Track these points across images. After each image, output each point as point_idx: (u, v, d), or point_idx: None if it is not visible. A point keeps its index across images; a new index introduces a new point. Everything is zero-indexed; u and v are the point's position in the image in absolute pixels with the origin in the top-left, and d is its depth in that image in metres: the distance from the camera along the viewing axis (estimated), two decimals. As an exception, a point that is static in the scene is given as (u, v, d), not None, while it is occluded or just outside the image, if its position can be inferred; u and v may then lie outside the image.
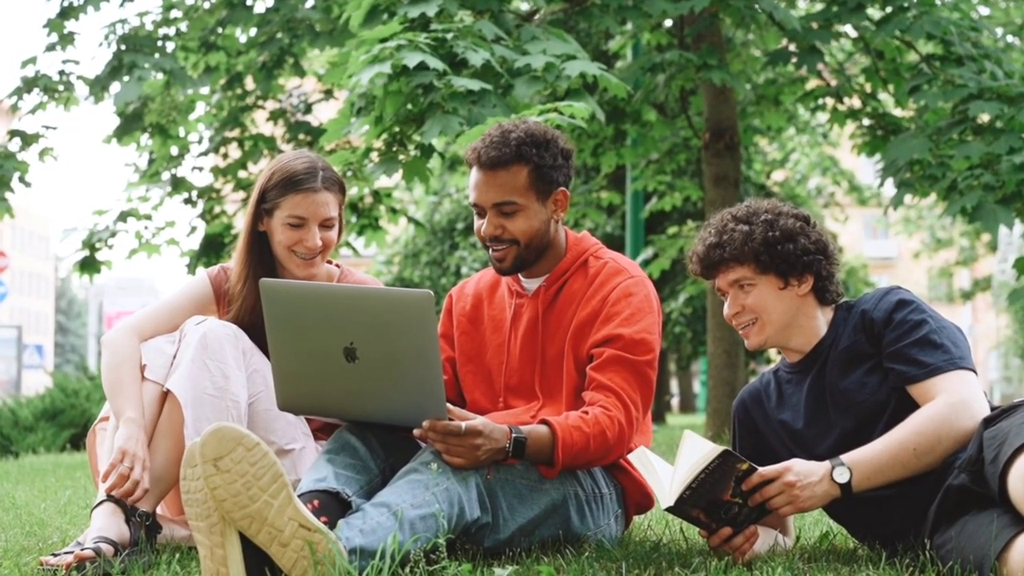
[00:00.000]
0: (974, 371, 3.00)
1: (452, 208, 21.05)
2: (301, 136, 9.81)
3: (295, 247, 3.49)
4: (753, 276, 3.14)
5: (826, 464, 2.91)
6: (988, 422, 2.84)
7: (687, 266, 3.32)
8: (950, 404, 2.91)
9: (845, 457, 2.91)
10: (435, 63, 5.31)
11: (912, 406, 2.97)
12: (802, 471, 2.89)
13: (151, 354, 3.38)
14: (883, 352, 3.04)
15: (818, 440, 3.12)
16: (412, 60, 5.27)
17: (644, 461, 2.98)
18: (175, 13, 9.14)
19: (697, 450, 2.87)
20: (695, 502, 2.87)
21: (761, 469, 2.89)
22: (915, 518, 2.95)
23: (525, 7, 8.80)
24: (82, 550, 2.96)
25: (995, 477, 2.64)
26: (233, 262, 3.63)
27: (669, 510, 2.88)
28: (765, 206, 3.21)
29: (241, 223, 3.65)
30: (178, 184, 9.76)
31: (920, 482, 2.93)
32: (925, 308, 3.06)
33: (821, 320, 3.17)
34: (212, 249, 9.65)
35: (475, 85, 5.34)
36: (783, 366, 3.28)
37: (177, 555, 3.12)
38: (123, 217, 9.63)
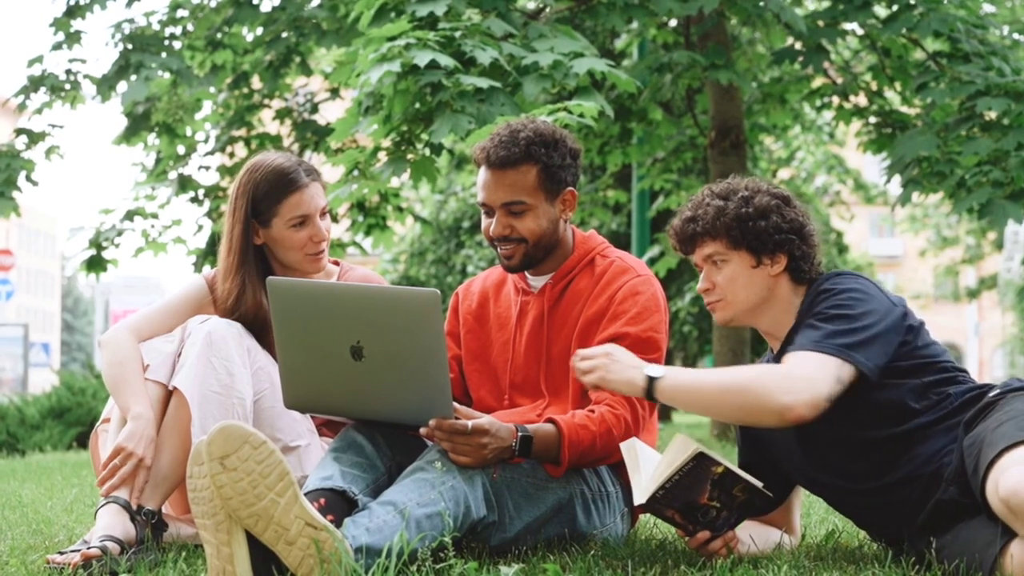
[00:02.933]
0: (850, 363, 2.88)
1: (458, 207, 21.04)
2: (308, 135, 9.82)
3: (306, 247, 3.50)
4: (725, 251, 3.10)
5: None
6: (968, 425, 2.83)
7: (669, 242, 3.31)
8: (782, 374, 2.87)
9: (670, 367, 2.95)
10: (446, 60, 5.31)
11: (855, 396, 2.94)
12: (626, 355, 2.95)
13: (150, 354, 3.38)
14: None
15: (806, 439, 3.10)
16: (423, 58, 5.26)
17: (631, 453, 2.98)
18: (181, 12, 9.14)
19: (680, 451, 2.87)
20: (669, 502, 2.86)
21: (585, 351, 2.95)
22: (910, 525, 2.94)
23: (531, 6, 8.80)
24: (88, 548, 2.96)
25: (978, 488, 2.63)
26: (219, 276, 3.59)
27: (642, 508, 2.88)
28: (745, 183, 3.18)
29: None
30: (185, 183, 9.77)
31: (907, 493, 2.92)
32: (844, 300, 2.97)
33: (795, 303, 3.12)
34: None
35: (484, 83, 5.34)
36: (770, 356, 3.25)
37: (183, 553, 3.12)
38: (130, 216, 9.65)
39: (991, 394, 2.90)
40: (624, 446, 3.01)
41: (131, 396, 3.29)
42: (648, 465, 2.94)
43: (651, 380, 2.89)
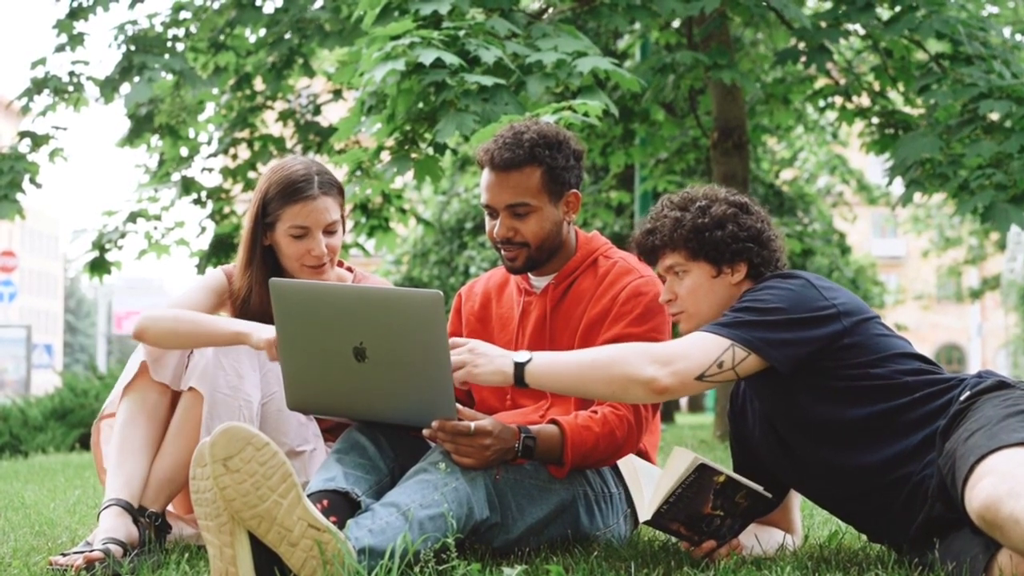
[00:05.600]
0: (743, 344, 2.87)
1: (461, 208, 21.02)
2: (311, 137, 9.82)
3: (303, 259, 3.47)
4: (685, 263, 3.10)
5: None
6: (944, 434, 2.81)
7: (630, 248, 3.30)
8: (652, 347, 2.89)
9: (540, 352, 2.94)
10: (451, 58, 5.31)
11: (801, 394, 2.94)
12: (488, 347, 2.94)
13: (151, 353, 3.37)
14: None
15: (785, 444, 3.09)
16: (427, 57, 5.26)
17: (630, 470, 2.97)
18: (184, 14, 9.15)
19: (680, 464, 2.86)
20: (674, 516, 2.86)
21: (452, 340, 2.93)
22: (904, 535, 2.93)
23: (535, 6, 8.80)
24: (91, 551, 2.96)
25: (959, 503, 2.62)
26: (235, 274, 3.58)
27: (648, 523, 2.88)
28: (703, 192, 3.17)
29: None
30: (188, 185, 9.77)
31: (889, 499, 2.91)
32: (760, 294, 2.95)
33: None
34: (221, 249, 9.67)
35: (488, 81, 5.33)
36: None
37: (186, 555, 3.12)
38: (133, 218, 9.65)
39: (962, 398, 2.87)
40: (622, 464, 3.01)
41: (225, 323, 3.28)
42: (648, 481, 2.93)
43: (519, 367, 2.90)
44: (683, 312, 3.12)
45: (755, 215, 3.13)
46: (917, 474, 2.86)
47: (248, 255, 3.52)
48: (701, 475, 2.82)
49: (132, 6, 9.16)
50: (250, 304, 3.49)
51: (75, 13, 8.84)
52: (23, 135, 8.94)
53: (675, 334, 3.18)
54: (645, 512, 2.87)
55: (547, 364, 2.91)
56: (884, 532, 3.00)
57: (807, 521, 3.74)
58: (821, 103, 9.68)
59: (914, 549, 2.87)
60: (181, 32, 9.16)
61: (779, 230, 3.18)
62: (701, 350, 2.87)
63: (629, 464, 2.99)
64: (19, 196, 8.69)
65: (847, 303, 2.98)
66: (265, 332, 3.17)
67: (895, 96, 9.39)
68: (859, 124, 9.46)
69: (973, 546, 2.63)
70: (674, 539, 3.31)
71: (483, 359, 2.91)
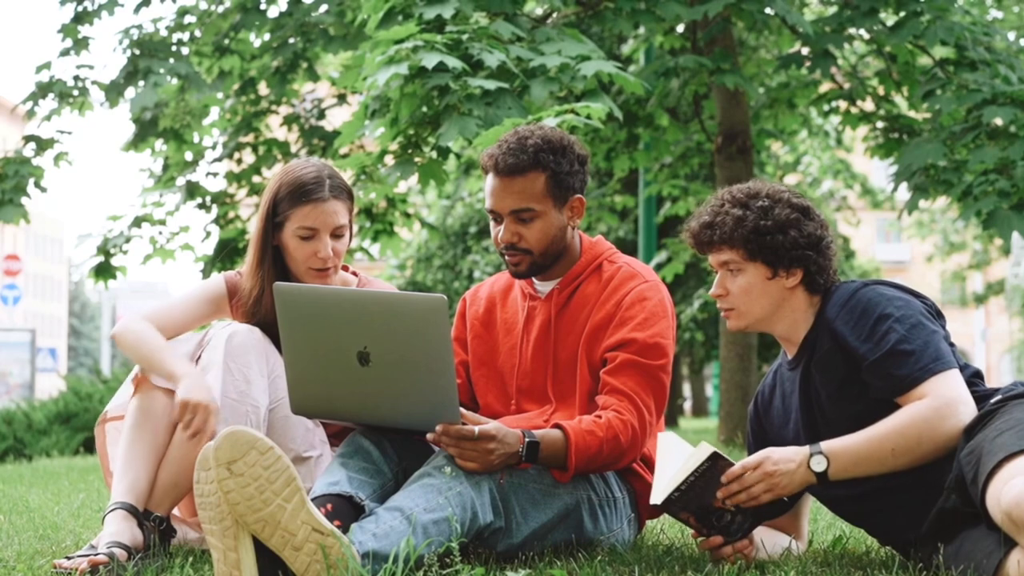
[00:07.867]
0: (955, 367, 2.91)
1: (465, 212, 21.05)
2: (315, 141, 9.82)
3: (308, 261, 3.47)
4: (741, 261, 3.07)
5: (804, 451, 2.88)
6: (968, 432, 2.81)
7: (682, 236, 3.28)
8: (934, 407, 2.83)
9: (824, 445, 2.88)
10: (454, 62, 5.31)
11: (872, 404, 2.93)
12: (780, 458, 2.88)
13: None
14: (860, 364, 2.96)
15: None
16: (431, 60, 5.26)
17: (665, 448, 2.97)
18: (189, 18, 9.16)
19: (697, 454, 2.87)
20: (684, 504, 2.87)
21: (742, 461, 2.89)
22: (916, 532, 2.93)
23: (539, 11, 8.81)
24: (96, 555, 2.96)
25: (978, 498, 2.62)
26: (244, 275, 3.58)
27: (656, 507, 2.89)
28: (766, 191, 3.12)
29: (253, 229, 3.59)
30: (192, 189, 9.77)
31: (908, 497, 2.92)
32: (891, 310, 2.95)
33: (809, 313, 3.10)
34: (226, 254, 9.66)
35: (491, 85, 5.33)
36: (784, 360, 3.23)
37: (190, 559, 3.12)
38: (138, 222, 9.63)
39: (992, 400, 2.88)
40: (661, 436, 3.00)
41: (170, 362, 3.29)
42: (676, 462, 2.93)
43: (821, 475, 2.87)
44: (734, 310, 3.11)
45: (816, 220, 3.10)
46: (937, 468, 2.86)
47: (259, 255, 3.51)
48: (713, 464, 2.83)
49: (137, 10, 9.18)
50: (262, 304, 3.48)
51: (80, 17, 8.85)
52: (28, 139, 8.94)
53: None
54: (657, 496, 2.87)
55: (847, 463, 2.87)
56: (897, 530, 3.00)
57: (811, 525, 3.74)
58: (825, 107, 9.68)
59: (923, 547, 2.87)
60: (186, 36, 9.17)
61: (835, 234, 3.17)
62: (957, 388, 2.88)
63: (666, 440, 2.98)
64: (24, 200, 8.69)
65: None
66: (190, 392, 3.19)
67: (899, 100, 9.39)
68: (863, 128, 9.45)
69: (983, 547, 2.63)
70: (678, 543, 3.32)
71: (784, 479, 2.88)
